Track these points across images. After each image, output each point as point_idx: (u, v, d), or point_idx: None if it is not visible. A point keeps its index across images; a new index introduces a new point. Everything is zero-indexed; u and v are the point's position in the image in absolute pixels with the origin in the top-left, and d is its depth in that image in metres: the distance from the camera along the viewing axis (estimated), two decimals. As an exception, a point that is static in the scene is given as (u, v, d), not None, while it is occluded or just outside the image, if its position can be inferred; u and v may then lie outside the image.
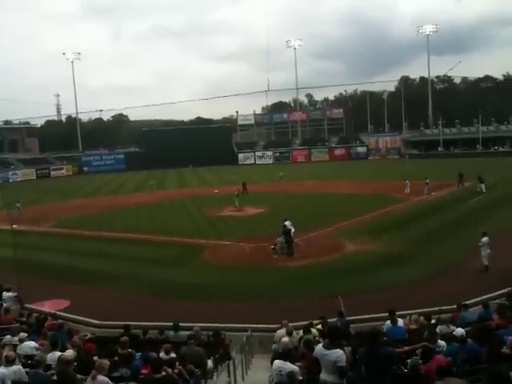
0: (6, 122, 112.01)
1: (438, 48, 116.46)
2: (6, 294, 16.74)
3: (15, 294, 16.84)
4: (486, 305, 12.34)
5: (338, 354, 7.15)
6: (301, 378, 7.63)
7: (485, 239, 19.28)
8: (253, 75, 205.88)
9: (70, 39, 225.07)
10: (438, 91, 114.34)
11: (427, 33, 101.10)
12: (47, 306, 17.34)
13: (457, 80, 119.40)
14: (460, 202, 35.82)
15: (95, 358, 9.15)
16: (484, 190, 38.96)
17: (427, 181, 40.51)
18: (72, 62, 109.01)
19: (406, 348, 8.69)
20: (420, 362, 7.60)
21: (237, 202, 39.20)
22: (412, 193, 40.16)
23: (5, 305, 15.79)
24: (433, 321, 11.94)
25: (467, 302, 13.22)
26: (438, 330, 10.08)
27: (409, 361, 7.97)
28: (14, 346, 10.15)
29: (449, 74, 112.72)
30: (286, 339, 9.50)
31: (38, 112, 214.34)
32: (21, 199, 41.10)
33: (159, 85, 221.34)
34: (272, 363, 8.35)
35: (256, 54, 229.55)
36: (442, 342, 8.48)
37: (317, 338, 10.67)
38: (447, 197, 39.21)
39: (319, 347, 7.54)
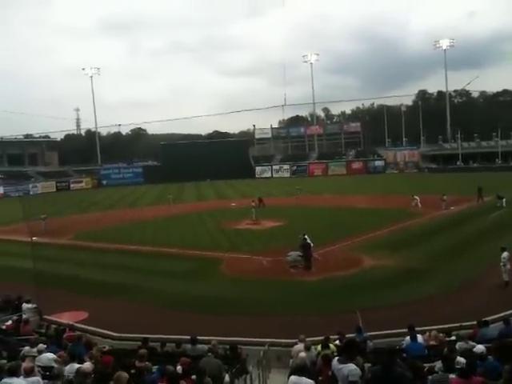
0: (27, 136, 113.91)
1: (455, 63, 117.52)
2: (25, 306, 16.92)
3: (35, 305, 17.00)
4: (506, 321, 12.12)
5: (351, 369, 7.09)
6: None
7: (505, 254, 19.01)
8: (268, 90, 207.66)
9: (88, 54, 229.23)
10: (456, 105, 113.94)
11: (444, 47, 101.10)
12: (66, 318, 17.46)
13: (475, 94, 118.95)
14: (479, 216, 35.38)
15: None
16: (504, 204, 38.45)
17: (445, 197, 40.03)
18: (91, 76, 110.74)
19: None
20: (449, 377, 7.38)
21: (254, 215, 39.26)
22: (429, 207, 39.75)
23: (24, 316, 15.94)
24: (453, 337, 11.78)
25: (487, 318, 13.02)
26: (457, 346, 9.94)
27: (430, 378, 7.83)
28: (33, 358, 10.22)
29: (467, 89, 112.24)
30: (303, 354, 9.43)
31: (57, 126, 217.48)
32: (41, 212, 41.55)
33: (176, 99, 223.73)
34: (288, 378, 8.29)
35: (272, 68, 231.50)
36: (460, 359, 8.34)
37: (335, 353, 10.58)
38: (466, 211, 38.73)
39: (334, 361, 7.52)
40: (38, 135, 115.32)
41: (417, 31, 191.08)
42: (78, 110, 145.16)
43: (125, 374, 7.76)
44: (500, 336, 11.08)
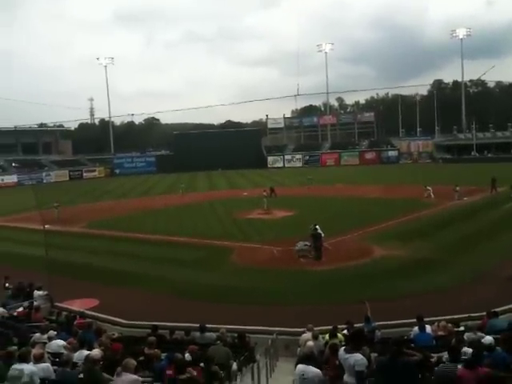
0: (41, 125, 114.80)
1: (471, 52, 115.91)
2: (37, 293, 17.14)
3: (46, 292, 17.21)
4: (517, 313, 12.04)
5: (357, 359, 7.11)
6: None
7: (517, 246, 18.83)
8: (283, 80, 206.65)
9: (103, 46, 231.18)
10: (472, 95, 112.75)
11: (461, 37, 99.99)
12: (76, 305, 17.64)
13: (491, 84, 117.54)
14: (493, 207, 35.07)
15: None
16: (517, 195, 38.05)
17: (457, 188, 39.66)
18: (105, 66, 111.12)
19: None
20: (457, 367, 7.34)
21: (265, 204, 39.28)
22: (442, 197, 39.44)
23: (35, 303, 16.13)
24: (461, 328, 11.71)
25: (497, 310, 12.92)
26: (465, 337, 9.89)
27: (436, 369, 7.80)
28: (43, 344, 10.34)
29: (482, 78, 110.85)
30: (311, 343, 9.44)
31: (71, 116, 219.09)
32: (54, 200, 41.91)
33: (190, 90, 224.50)
34: (296, 367, 8.31)
35: (286, 58, 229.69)
36: (468, 350, 8.29)
37: (342, 342, 10.58)
38: (480, 202, 38.40)
39: (341, 351, 7.54)
40: (52, 124, 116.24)
41: (434, 20, 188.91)
42: (92, 99, 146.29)
43: (132, 361, 7.84)
44: (510, 327, 10.98)
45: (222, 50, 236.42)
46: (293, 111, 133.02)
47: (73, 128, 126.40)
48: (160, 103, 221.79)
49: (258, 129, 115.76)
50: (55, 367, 8.63)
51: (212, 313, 16.05)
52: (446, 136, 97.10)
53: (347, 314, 13.62)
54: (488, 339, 8.82)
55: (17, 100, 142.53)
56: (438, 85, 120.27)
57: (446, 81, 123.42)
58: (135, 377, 7.65)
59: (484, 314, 12.51)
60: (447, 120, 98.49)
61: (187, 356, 9.71)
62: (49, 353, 9.94)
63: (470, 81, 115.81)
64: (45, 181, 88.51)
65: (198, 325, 12.68)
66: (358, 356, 7.17)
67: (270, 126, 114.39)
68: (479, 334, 9.87)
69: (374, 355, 8.57)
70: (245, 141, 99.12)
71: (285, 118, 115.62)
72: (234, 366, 10.34)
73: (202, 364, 9.27)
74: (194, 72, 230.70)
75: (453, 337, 10.25)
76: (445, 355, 8.24)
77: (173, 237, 30.17)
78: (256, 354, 11.69)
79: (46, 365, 8.50)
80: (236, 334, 12.75)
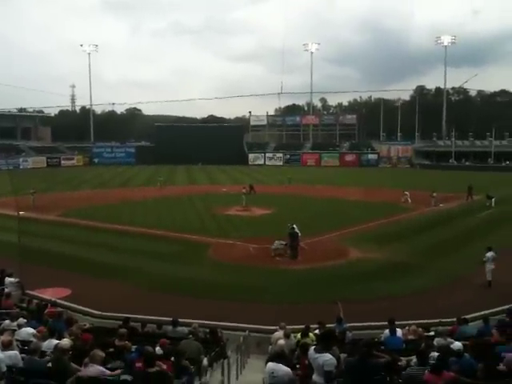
0: (21, 110, 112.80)
1: (455, 60, 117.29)
2: (8, 280, 16.84)
3: (17, 279, 16.92)
4: (486, 320, 12.23)
5: (326, 359, 7.13)
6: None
7: (489, 254, 19.11)
8: (268, 77, 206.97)
9: (89, 32, 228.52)
10: (454, 103, 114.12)
11: (445, 44, 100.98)
12: (48, 294, 17.44)
13: (472, 93, 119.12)
14: (468, 215, 35.56)
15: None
16: (493, 204, 38.67)
17: (434, 194, 40.13)
18: (89, 53, 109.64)
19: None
20: (425, 372, 7.43)
21: (244, 201, 39.28)
22: (419, 203, 39.88)
23: (6, 290, 15.87)
24: (431, 332, 11.87)
25: (468, 316, 13.13)
26: (435, 342, 10.02)
27: (404, 372, 7.89)
28: (12, 332, 10.19)
29: (465, 87, 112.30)
30: (282, 341, 9.48)
31: (52, 102, 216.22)
32: (30, 186, 41.31)
33: (174, 81, 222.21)
34: (266, 365, 8.32)
35: (272, 55, 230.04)
36: (436, 354, 8.39)
37: (314, 342, 10.63)
38: (455, 209, 38.90)
39: (311, 351, 7.55)
40: (31, 110, 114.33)
41: (420, 25, 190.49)
42: (73, 86, 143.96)
43: (100, 353, 7.79)
44: (479, 334, 11.18)
45: (208, 42, 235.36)
46: (276, 109, 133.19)
47: (53, 114, 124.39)
48: (143, 93, 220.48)
49: (241, 125, 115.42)
50: (23, 355, 8.51)
51: (186, 307, 16.03)
52: (425, 142, 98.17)
53: (321, 313, 13.71)
54: (457, 345, 8.96)
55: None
56: (421, 91, 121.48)
57: (428, 87, 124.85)
58: (101, 368, 7.60)
59: (454, 319, 12.72)
60: (428, 126, 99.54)
61: (158, 349, 9.66)
62: (18, 340, 9.80)
63: (453, 88, 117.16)
64: (22, 166, 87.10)
65: (170, 319, 12.64)
66: (328, 356, 7.20)
67: (252, 123, 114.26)
68: (449, 339, 10.01)
69: (343, 356, 8.63)
70: (227, 137, 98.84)
71: (268, 115, 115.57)
72: (205, 361, 10.31)
73: (172, 358, 9.23)
74: (179, 64, 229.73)
75: (422, 341, 10.39)
76: (413, 359, 8.35)
77: (150, 229, 29.99)
78: (227, 350, 11.70)
79: (14, 352, 8.40)
80: (208, 330, 12.74)
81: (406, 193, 41.79)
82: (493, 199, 39.15)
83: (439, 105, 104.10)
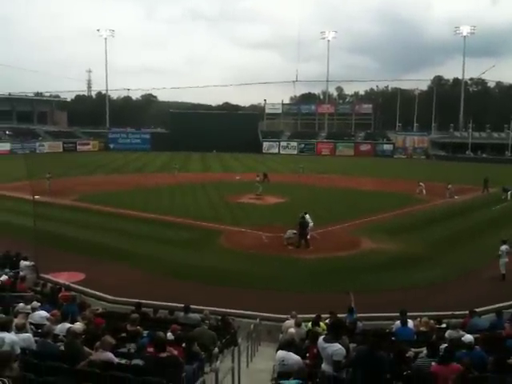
0: (37, 94, 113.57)
1: (474, 50, 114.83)
2: (23, 263, 17.10)
3: (32, 263, 17.17)
4: (499, 313, 12.15)
5: (335, 349, 7.16)
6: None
7: (504, 247, 18.96)
8: (284, 65, 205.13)
9: (103, 18, 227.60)
10: (471, 94, 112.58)
11: (464, 34, 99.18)
12: (62, 278, 17.66)
13: (491, 84, 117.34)
14: (483, 207, 35.18)
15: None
16: (509, 197, 38.24)
17: (449, 186, 39.78)
18: (105, 38, 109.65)
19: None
20: (431, 363, 7.43)
21: (260, 189, 39.21)
22: (434, 194, 39.60)
23: (21, 273, 16.10)
24: (443, 325, 11.82)
25: (481, 309, 13.05)
26: (447, 334, 9.97)
27: (413, 364, 7.88)
28: (26, 315, 10.34)
29: (483, 78, 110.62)
30: (292, 330, 9.50)
31: (68, 87, 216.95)
32: (46, 171, 41.62)
33: (189, 68, 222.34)
34: (276, 353, 8.36)
35: (289, 43, 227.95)
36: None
37: (324, 331, 10.65)
38: (471, 201, 38.53)
39: (320, 340, 7.57)
40: (48, 94, 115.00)
41: (439, 16, 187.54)
42: (89, 71, 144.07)
43: (110, 339, 7.87)
44: (491, 327, 11.11)
45: (223, 30, 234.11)
46: (291, 98, 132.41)
47: (69, 99, 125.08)
48: (158, 79, 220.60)
49: (256, 113, 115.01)
50: (37, 338, 8.63)
51: (197, 293, 16.13)
52: (442, 133, 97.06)
53: (332, 303, 13.73)
54: (468, 338, 8.89)
55: (14, 67, 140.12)
56: (438, 81, 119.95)
57: (446, 77, 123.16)
58: (111, 355, 7.66)
59: (466, 312, 12.64)
60: (445, 117, 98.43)
61: (169, 335, 9.74)
62: (31, 323, 9.94)
63: (471, 79, 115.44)
64: (38, 151, 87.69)
65: (182, 305, 12.73)
66: (337, 346, 7.21)
67: (267, 111, 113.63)
68: (461, 332, 9.95)
69: (353, 346, 8.63)
70: (241, 124, 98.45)
71: (283, 104, 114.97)
72: (216, 348, 10.39)
73: (183, 344, 9.30)
74: (194, 50, 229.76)
75: (434, 333, 10.35)
76: (424, 350, 8.33)
77: (163, 216, 30.15)
78: (238, 338, 11.75)
79: (28, 335, 8.50)
80: (219, 317, 12.81)
81: (421, 184, 41.46)
82: (509, 192, 38.71)
83: (457, 96, 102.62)
